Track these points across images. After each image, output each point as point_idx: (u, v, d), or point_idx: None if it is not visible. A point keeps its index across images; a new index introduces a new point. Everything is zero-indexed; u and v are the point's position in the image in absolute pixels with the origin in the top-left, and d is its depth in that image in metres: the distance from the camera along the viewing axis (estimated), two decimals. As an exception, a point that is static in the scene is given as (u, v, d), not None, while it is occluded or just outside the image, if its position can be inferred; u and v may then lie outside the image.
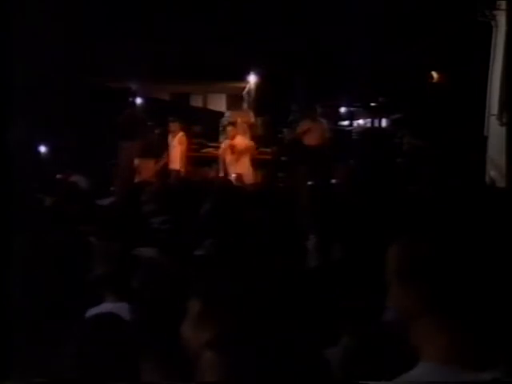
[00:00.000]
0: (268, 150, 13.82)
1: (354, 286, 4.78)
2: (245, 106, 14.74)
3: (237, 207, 7.60)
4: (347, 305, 4.25)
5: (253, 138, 13.86)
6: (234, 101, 15.62)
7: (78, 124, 13.20)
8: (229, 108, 17.03)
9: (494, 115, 10.37)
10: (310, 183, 11.35)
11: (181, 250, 5.77)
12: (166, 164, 12.95)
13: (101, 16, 14.38)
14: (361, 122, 16.60)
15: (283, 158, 13.38)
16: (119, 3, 14.63)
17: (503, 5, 10.13)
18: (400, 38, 14.04)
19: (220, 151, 12.90)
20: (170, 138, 12.97)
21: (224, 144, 12.84)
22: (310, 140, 13.01)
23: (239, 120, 13.63)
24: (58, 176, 11.71)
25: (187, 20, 15.10)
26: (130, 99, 13.89)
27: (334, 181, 12.51)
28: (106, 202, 8.21)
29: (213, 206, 7.98)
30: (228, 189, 10.07)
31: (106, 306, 4.24)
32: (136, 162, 12.80)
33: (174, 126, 12.86)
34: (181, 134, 12.86)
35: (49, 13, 12.16)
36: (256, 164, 13.12)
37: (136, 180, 12.00)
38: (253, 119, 14.31)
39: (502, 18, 10.19)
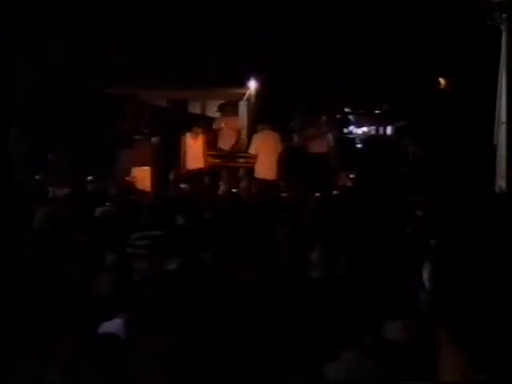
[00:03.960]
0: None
1: (358, 298, 4.85)
2: (234, 112, 14.73)
3: (239, 218, 7.71)
4: (349, 319, 4.32)
5: (241, 145, 14.10)
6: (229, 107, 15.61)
7: (74, 131, 13.26)
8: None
9: (504, 123, 10.38)
10: (313, 193, 11.42)
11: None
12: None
13: (99, 21, 14.51)
14: (365, 129, 16.67)
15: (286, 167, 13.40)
16: (118, 8, 14.77)
17: (512, 7, 10.10)
18: (405, 42, 14.11)
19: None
20: (188, 139, 13.48)
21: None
22: (313, 148, 13.08)
23: (223, 125, 13.73)
24: (54, 185, 11.74)
25: (186, 24, 15.22)
26: (128, 105, 13.97)
27: (337, 190, 12.57)
28: (102, 212, 8.27)
29: (215, 217, 8.10)
30: (229, 200, 10.20)
31: (117, 321, 4.32)
32: (133, 170, 12.91)
33: (198, 130, 13.53)
34: (200, 135, 13.48)
35: (48, 18, 12.35)
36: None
37: (133, 189, 12.07)
38: (240, 126, 14.34)
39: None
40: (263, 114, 14.32)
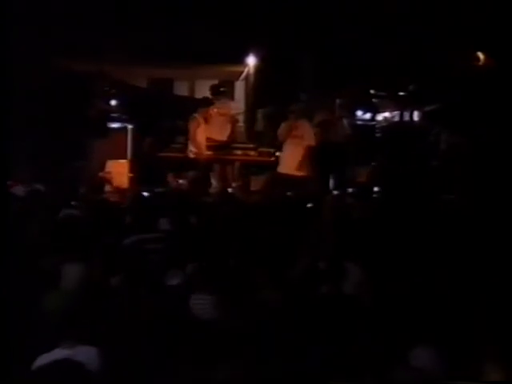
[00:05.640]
0: (271, 150, 13.81)
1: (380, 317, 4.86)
2: (226, 95, 14.70)
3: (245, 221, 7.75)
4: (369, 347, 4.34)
5: (237, 134, 14.15)
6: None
7: (36, 118, 13.22)
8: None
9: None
10: (328, 191, 11.45)
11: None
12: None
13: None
14: (387, 114, 16.66)
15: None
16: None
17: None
18: (437, 9, 14.06)
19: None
20: (200, 119, 13.37)
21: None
22: (327, 137, 13.06)
23: (215, 111, 13.59)
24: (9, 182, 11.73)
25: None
26: (101, 87, 13.96)
27: (353, 187, 12.59)
28: (70, 214, 8.27)
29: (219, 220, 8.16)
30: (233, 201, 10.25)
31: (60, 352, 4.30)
32: (107, 164, 12.93)
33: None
34: None
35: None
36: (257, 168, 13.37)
37: (106, 186, 12.11)
38: (234, 111, 14.32)
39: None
40: (264, 97, 14.33)
